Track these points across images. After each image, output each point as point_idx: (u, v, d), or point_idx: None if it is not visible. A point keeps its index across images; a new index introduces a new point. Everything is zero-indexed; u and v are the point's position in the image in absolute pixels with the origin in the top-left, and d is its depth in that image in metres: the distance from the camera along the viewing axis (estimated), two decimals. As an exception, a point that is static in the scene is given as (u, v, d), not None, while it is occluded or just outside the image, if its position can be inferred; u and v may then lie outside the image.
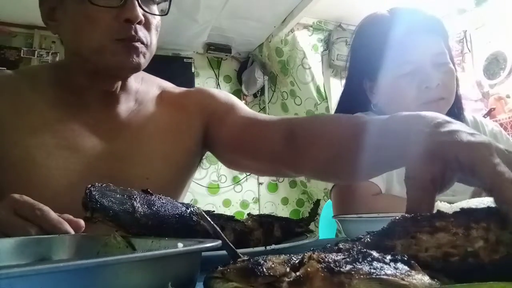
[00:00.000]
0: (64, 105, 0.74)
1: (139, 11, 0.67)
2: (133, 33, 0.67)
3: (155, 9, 0.73)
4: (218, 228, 0.33)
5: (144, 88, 0.82)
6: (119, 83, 0.75)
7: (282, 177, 0.84)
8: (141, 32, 0.69)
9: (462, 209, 0.32)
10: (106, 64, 0.69)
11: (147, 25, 0.71)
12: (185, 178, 0.85)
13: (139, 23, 0.68)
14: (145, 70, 0.89)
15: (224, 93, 0.88)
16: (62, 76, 0.76)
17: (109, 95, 0.75)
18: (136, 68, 0.71)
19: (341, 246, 0.31)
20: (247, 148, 0.77)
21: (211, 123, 0.82)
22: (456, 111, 1.04)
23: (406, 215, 0.33)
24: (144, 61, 0.71)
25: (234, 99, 0.86)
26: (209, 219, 0.36)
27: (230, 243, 0.31)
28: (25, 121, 0.71)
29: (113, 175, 0.72)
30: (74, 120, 0.74)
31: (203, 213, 0.42)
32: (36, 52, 2.75)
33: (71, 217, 0.51)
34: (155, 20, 0.73)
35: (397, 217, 0.33)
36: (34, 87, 0.75)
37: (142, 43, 0.69)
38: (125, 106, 0.78)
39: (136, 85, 0.80)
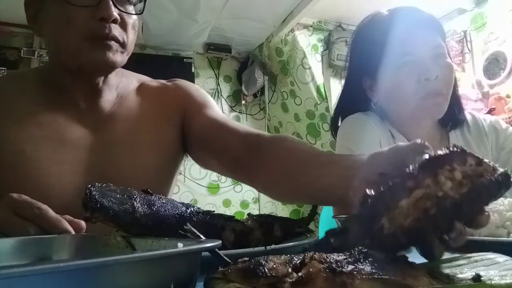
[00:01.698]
0: (50, 101, 0.76)
1: (114, 10, 0.69)
2: (107, 31, 0.69)
3: (131, 9, 0.75)
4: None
5: (125, 82, 0.84)
6: (101, 79, 0.77)
7: (242, 182, 0.88)
8: (116, 31, 0.71)
9: (426, 159, 0.33)
10: (83, 63, 0.71)
11: (123, 24, 0.73)
12: (172, 168, 0.87)
13: (114, 22, 0.70)
14: (145, 70, 0.90)
15: (201, 92, 0.91)
16: (47, 76, 0.79)
17: (93, 90, 0.77)
18: (112, 66, 0.73)
19: (332, 242, 0.31)
20: (213, 149, 0.81)
21: (185, 118, 0.85)
22: (456, 111, 1.04)
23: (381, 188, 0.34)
24: (120, 59, 0.73)
25: (210, 100, 0.89)
26: (198, 233, 0.36)
27: (225, 257, 0.31)
28: (13, 118, 0.73)
29: (102, 165, 0.74)
30: (60, 114, 0.76)
31: (192, 229, 0.42)
32: (36, 52, 2.75)
33: (71, 218, 0.52)
34: (131, 20, 0.75)
35: (370, 194, 0.34)
36: (21, 88, 0.77)
37: (117, 41, 0.71)
38: (108, 99, 0.80)
39: (117, 79, 0.82)
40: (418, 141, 0.43)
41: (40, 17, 0.74)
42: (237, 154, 0.75)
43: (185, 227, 0.45)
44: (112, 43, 0.70)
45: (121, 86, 0.83)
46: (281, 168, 0.66)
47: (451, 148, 0.33)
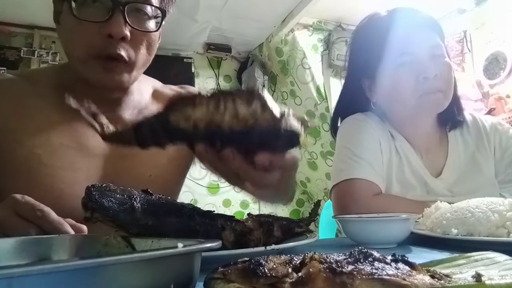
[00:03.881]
0: (66, 106, 0.74)
1: (123, 27, 0.66)
2: (114, 50, 0.66)
3: (149, 24, 0.71)
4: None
5: (142, 89, 0.83)
6: (117, 91, 0.75)
7: (241, 188, 0.88)
8: (125, 49, 0.67)
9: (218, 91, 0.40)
10: (89, 79, 0.70)
11: (135, 41, 0.69)
12: (183, 175, 0.88)
13: (124, 39, 0.67)
14: (145, 70, 0.89)
15: None
16: (64, 79, 0.77)
17: (111, 100, 0.76)
18: (120, 86, 0.71)
19: None
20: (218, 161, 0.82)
21: None
22: (456, 112, 1.04)
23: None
24: (128, 78, 0.71)
25: None
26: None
27: None
28: (29, 122, 0.72)
29: (117, 174, 0.74)
30: (77, 121, 0.74)
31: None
32: (36, 52, 2.75)
33: (73, 222, 0.51)
34: (146, 36, 0.71)
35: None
36: (37, 90, 0.75)
37: (124, 61, 0.68)
38: (127, 106, 0.79)
39: (135, 86, 0.80)
40: None
41: (60, 20, 0.72)
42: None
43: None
44: (117, 65, 0.68)
45: (140, 92, 0.82)
46: None
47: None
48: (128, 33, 0.67)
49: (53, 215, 0.50)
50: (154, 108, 0.82)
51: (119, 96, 0.76)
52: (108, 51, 0.66)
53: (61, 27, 0.72)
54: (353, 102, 1.07)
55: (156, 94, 0.86)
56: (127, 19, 0.66)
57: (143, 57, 0.72)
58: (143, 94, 0.83)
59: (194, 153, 0.47)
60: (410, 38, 0.95)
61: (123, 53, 0.67)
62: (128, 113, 0.78)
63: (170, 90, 0.89)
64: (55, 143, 0.71)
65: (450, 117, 1.04)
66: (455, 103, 1.02)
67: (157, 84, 0.89)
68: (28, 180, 0.69)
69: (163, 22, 0.74)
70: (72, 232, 0.50)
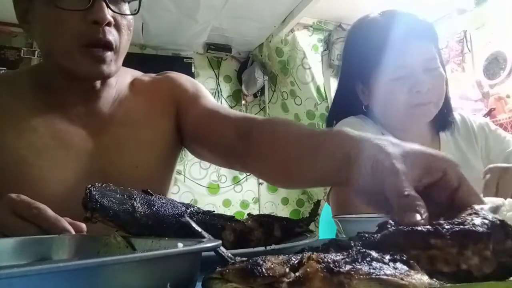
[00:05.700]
0: (47, 105, 0.74)
1: (107, 13, 0.66)
2: (100, 35, 0.66)
3: (125, 8, 0.72)
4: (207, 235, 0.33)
5: (121, 80, 0.83)
6: (99, 81, 0.75)
7: (238, 171, 0.85)
8: (110, 34, 0.68)
9: (462, 230, 0.30)
10: (75, 71, 0.69)
11: (117, 26, 0.70)
12: (171, 163, 0.87)
13: (108, 24, 0.67)
14: (145, 70, 0.89)
15: (192, 82, 0.89)
16: (41, 78, 0.76)
17: (90, 93, 0.75)
18: (106, 77, 0.71)
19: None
20: (205, 140, 0.80)
21: (179, 111, 0.84)
22: (445, 112, 1.05)
23: (401, 228, 0.32)
24: (114, 68, 0.71)
25: (201, 89, 0.87)
26: (198, 228, 0.36)
27: (227, 255, 0.31)
28: (9, 124, 0.71)
29: (105, 168, 0.74)
30: (59, 119, 0.74)
31: (189, 221, 0.42)
32: (36, 52, 2.75)
33: (71, 220, 0.52)
34: (126, 20, 0.72)
35: (389, 228, 0.32)
36: (14, 92, 0.75)
37: (111, 48, 0.68)
38: (106, 100, 0.78)
39: (114, 78, 0.79)
40: (418, 202, 0.37)
41: (29, 17, 0.71)
42: (230, 143, 0.73)
43: (182, 219, 0.44)
44: (106, 54, 0.68)
45: (118, 84, 0.81)
46: (272, 156, 0.63)
47: (492, 223, 0.30)
48: (111, 18, 0.67)
49: (49, 212, 0.50)
50: (134, 98, 0.82)
51: (97, 89, 0.75)
52: (96, 37, 0.66)
53: (35, 23, 0.71)
54: (347, 105, 1.07)
55: (135, 82, 0.85)
56: (109, 4, 0.67)
57: (125, 42, 0.72)
58: (122, 85, 0.82)
59: None
60: (405, 50, 0.95)
61: (110, 38, 0.68)
62: (108, 106, 0.78)
63: (149, 77, 0.88)
64: (39, 144, 0.71)
65: (440, 118, 1.04)
66: (446, 105, 1.03)
67: (137, 73, 0.89)
68: (18, 183, 0.68)
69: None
70: (70, 228, 0.50)
